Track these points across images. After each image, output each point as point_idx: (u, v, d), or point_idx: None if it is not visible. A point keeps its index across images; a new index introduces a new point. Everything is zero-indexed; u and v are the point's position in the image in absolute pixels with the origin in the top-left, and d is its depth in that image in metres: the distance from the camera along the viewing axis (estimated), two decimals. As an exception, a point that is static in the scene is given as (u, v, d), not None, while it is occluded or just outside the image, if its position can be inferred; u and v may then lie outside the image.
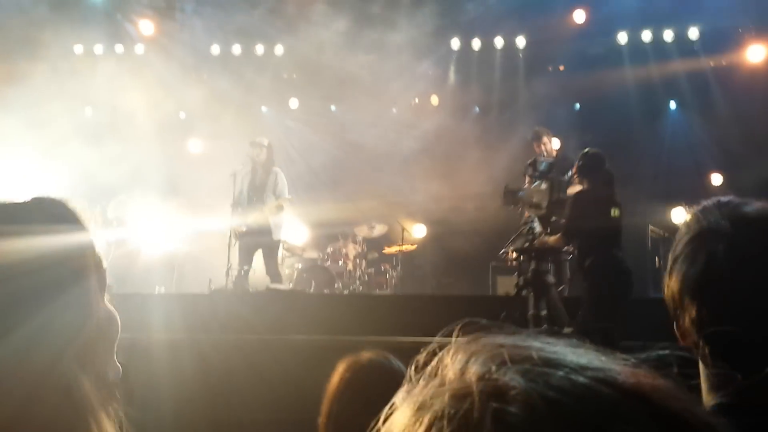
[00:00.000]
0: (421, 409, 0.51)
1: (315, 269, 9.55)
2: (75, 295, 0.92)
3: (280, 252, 8.87)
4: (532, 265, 6.24)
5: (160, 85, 10.86)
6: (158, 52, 11.53)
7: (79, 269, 0.94)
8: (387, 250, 10.30)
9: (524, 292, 6.30)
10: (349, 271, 9.63)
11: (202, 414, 5.54)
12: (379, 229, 10.19)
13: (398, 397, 0.55)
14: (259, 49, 11.92)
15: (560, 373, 0.50)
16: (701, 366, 1.19)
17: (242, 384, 5.67)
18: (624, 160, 10.61)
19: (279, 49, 11.84)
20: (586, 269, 5.69)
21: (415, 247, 10.56)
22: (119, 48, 11.93)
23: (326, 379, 2.27)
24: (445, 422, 0.49)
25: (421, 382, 0.54)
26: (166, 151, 10.74)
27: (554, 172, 7.26)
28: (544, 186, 6.25)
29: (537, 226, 6.75)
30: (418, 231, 10.80)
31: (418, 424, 0.51)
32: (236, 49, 11.93)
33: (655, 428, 0.48)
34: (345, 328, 6.31)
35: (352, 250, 9.86)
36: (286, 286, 7.68)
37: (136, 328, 5.57)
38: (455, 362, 0.54)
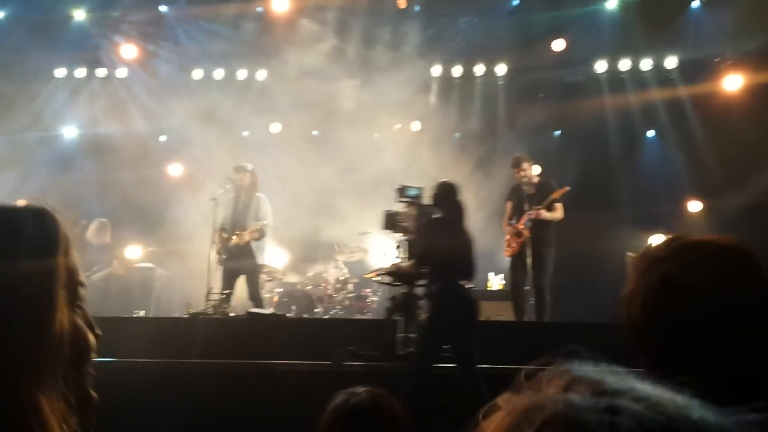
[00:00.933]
0: (531, 410, 0.53)
1: (296, 294, 9.52)
2: (33, 309, 0.88)
3: (262, 276, 8.83)
4: (404, 289, 6.31)
5: (141, 109, 10.87)
6: (140, 76, 11.54)
7: (42, 283, 0.90)
8: (368, 275, 10.28)
9: (394, 315, 6.37)
10: (330, 295, 9.60)
11: (180, 439, 5.47)
12: (360, 253, 10.18)
13: (501, 399, 0.57)
14: (242, 73, 11.97)
15: (670, 405, 0.52)
16: None
17: (222, 409, 5.61)
18: (603, 187, 10.76)
19: (261, 74, 11.90)
20: (429, 296, 5.79)
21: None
22: (101, 72, 11.92)
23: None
24: (559, 425, 0.50)
25: (526, 392, 0.56)
26: (146, 175, 10.71)
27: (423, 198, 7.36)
28: (413, 212, 6.37)
29: (403, 251, 6.89)
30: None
31: (526, 423, 0.52)
32: (218, 73, 11.97)
33: None
34: (326, 354, 6.27)
35: (332, 274, 9.84)
36: (267, 310, 7.63)
37: (114, 351, 5.51)
38: (555, 384, 0.56)
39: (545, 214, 7.76)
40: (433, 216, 6.03)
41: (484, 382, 5.18)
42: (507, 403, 0.56)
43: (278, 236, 9.45)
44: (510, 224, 8.02)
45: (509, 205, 8.15)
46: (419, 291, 6.13)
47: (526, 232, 7.74)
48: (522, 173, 7.94)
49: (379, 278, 6.94)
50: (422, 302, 6.03)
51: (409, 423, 2.21)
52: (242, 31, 11.29)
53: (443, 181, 6.12)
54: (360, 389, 2.24)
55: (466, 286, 5.68)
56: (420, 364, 5.48)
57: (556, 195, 7.85)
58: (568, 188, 8.02)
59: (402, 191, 6.46)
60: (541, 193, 7.91)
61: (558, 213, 7.88)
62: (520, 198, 7.92)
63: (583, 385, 0.55)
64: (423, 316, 5.94)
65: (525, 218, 7.81)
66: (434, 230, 5.98)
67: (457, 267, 5.74)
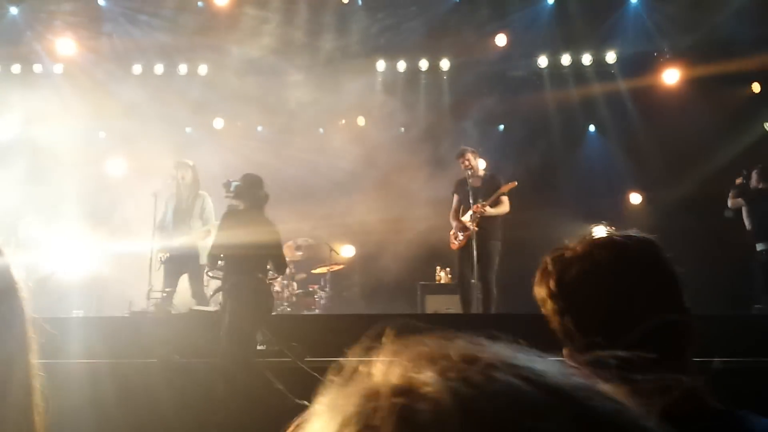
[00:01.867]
0: (332, 411, 0.49)
1: (241, 291, 9.37)
2: None
3: (206, 274, 8.66)
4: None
5: (79, 105, 10.57)
6: (78, 72, 11.23)
7: None
8: (315, 271, 10.22)
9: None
10: (277, 291, 9.49)
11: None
12: (306, 250, 10.10)
13: (315, 404, 0.52)
14: (183, 68, 11.75)
15: (476, 368, 0.48)
16: None
17: (166, 408, 5.48)
18: (546, 180, 10.91)
19: (203, 69, 11.70)
20: (224, 289, 5.86)
21: (343, 267, 10.51)
22: (38, 67, 11.58)
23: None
24: (352, 422, 0.47)
25: (338, 387, 0.52)
26: (84, 172, 10.43)
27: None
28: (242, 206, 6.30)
29: None
30: (346, 251, 10.76)
31: (327, 427, 0.48)
32: (159, 68, 11.73)
33: (577, 429, 0.45)
34: (272, 350, 6.19)
35: (279, 271, 9.73)
36: (211, 307, 7.49)
37: (53, 353, 5.33)
38: (378, 366, 0.52)
39: (490, 210, 7.79)
40: (233, 210, 6.04)
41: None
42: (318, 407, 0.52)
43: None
44: (457, 217, 8.04)
45: (456, 198, 8.18)
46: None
47: (473, 226, 7.76)
48: (466, 164, 7.96)
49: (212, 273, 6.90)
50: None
51: None
52: (183, 25, 11.07)
53: (246, 174, 6.13)
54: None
55: (267, 280, 5.70)
56: (224, 359, 5.49)
57: (503, 189, 7.90)
58: (515, 183, 8.08)
59: (227, 186, 6.37)
60: (487, 187, 7.95)
61: (504, 207, 7.92)
62: (466, 191, 7.95)
63: (406, 357, 0.51)
64: (218, 309, 5.98)
65: (470, 212, 7.84)
66: (225, 225, 5.98)
67: (252, 260, 5.74)
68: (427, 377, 0.47)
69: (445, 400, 0.45)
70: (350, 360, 0.54)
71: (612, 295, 1.30)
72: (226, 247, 5.76)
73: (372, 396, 0.48)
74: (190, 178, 8.12)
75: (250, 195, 5.90)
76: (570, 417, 0.45)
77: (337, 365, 0.55)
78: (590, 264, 1.34)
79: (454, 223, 8.08)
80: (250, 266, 5.66)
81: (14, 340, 0.92)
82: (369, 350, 0.56)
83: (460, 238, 7.94)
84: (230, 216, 5.92)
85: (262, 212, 5.94)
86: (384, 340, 0.56)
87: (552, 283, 1.37)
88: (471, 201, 7.83)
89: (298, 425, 0.52)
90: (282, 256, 5.98)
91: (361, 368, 0.52)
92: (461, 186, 8.10)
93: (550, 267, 1.40)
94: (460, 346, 0.51)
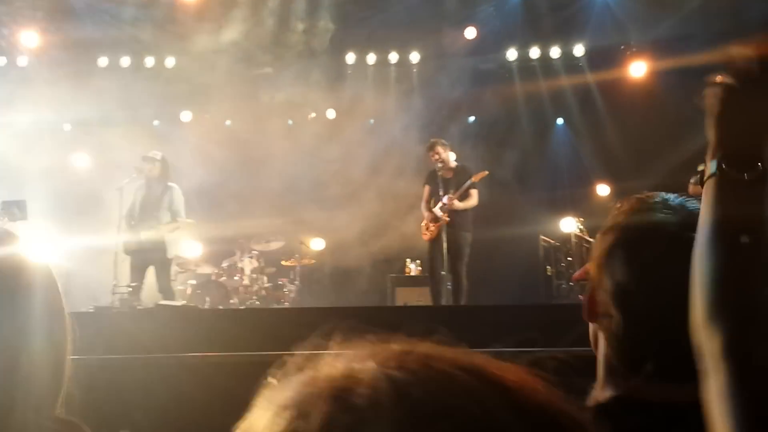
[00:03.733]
0: (270, 401, 0.50)
1: (210, 285, 9.30)
2: None
3: (173, 268, 8.56)
4: None
5: (44, 97, 10.37)
6: (43, 64, 11.02)
7: None
8: (285, 263, 10.16)
9: None
10: (246, 285, 9.43)
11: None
12: (276, 243, 10.05)
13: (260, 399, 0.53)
14: (149, 61, 11.58)
15: (413, 357, 0.49)
16: (602, 349, 1.19)
17: (131, 405, 5.40)
18: (516, 172, 10.96)
19: (170, 62, 11.54)
20: None
21: (313, 261, 10.46)
22: (1, 60, 11.36)
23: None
24: (288, 407, 0.48)
25: (281, 381, 0.53)
26: (48, 165, 10.26)
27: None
28: None
29: None
30: (316, 244, 10.71)
31: (264, 415, 0.49)
32: (125, 61, 11.55)
33: (513, 418, 0.46)
34: (241, 344, 6.13)
35: (248, 264, 9.67)
36: (178, 302, 7.41)
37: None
38: (321, 361, 0.53)
39: (458, 205, 7.80)
40: None
41: None
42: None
43: (191, 226, 9.20)
44: (429, 209, 8.03)
45: (427, 189, 8.17)
46: None
47: (444, 217, 7.76)
48: (436, 157, 7.96)
49: None
50: None
51: None
52: (150, 17, 10.90)
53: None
54: None
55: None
56: None
57: (474, 179, 7.90)
58: (486, 172, 8.09)
59: None
60: (458, 178, 7.95)
61: (472, 200, 7.93)
62: (436, 183, 7.95)
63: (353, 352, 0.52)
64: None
65: (440, 204, 7.84)
66: None
67: None
68: (365, 366, 0.49)
69: (381, 385, 0.46)
70: (295, 356, 0.56)
71: None
72: None
73: (310, 383, 0.49)
74: (158, 170, 8.02)
75: None
76: (505, 406, 0.46)
77: (280, 362, 0.56)
78: None
79: (425, 214, 8.07)
80: None
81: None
82: (316, 348, 0.57)
83: (431, 229, 7.94)
84: None
85: None
86: (331, 339, 0.57)
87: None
88: (441, 192, 7.83)
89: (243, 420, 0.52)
90: None
91: (304, 364, 0.53)
92: (432, 177, 8.10)
93: None
94: (401, 342, 0.52)
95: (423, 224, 8.12)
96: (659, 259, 1.16)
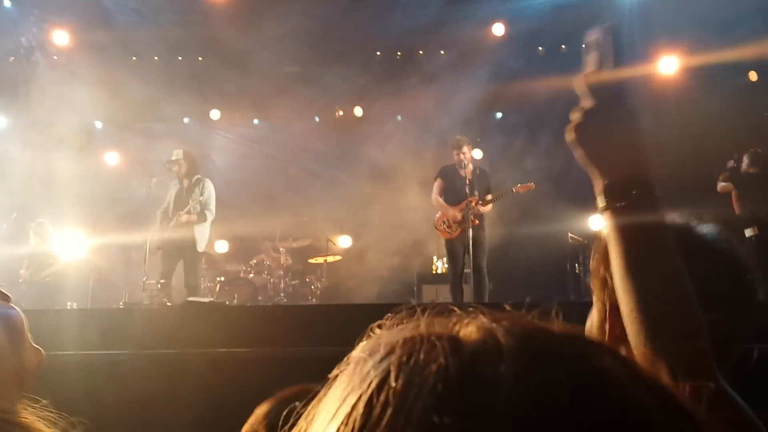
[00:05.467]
0: (376, 345, 0.47)
1: (238, 282, 9.38)
2: None
3: (202, 264, 8.65)
4: None
5: (77, 96, 10.50)
6: (73, 63, 11.17)
7: None
8: (312, 261, 10.20)
9: None
10: (273, 282, 9.50)
11: (117, 433, 5.32)
12: (303, 241, 10.10)
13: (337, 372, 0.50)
14: (180, 59, 11.69)
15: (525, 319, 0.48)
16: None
17: (161, 400, 5.48)
18: (543, 169, 10.85)
19: (201, 61, 11.64)
20: None
21: (340, 258, 10.49)
22: (36, 57, 11.53)
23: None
24: (399, 350, 0.45)
25: (361, 353, 0.49)
26: (81, 163, 10.40)
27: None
28: None
29: None
30: (342, 242, 10.74)
31: (371, 365, 0.46)
32: (155, 59, 11.67)
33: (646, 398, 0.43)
34: (268, 341, 6.18)
35: (275, 261, 9.73)
36: (206, 298, 7.49)
37: (48, 345, 5.31)
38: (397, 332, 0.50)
39: (485, 209, 7.82)
40: None
41: None
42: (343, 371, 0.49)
43: (220, 223, 9.28)
44: (448, 205, 7.94)
45: (440, 183, 8.06)
46: None
47: (475, 221, 7.72)
48: (462, 155, 7.93)
49: None
50: None
51: None
52: (181, 17, 11.00)
53: None
54: None
55: None
56: None
57: (519, 190, 7.92)
58: (532, 185, 8.08)
59: None
60: (480, 180, 7.91)
61: (489, 206, 7.96)
62: (453, 179, 7.91)
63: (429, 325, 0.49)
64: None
65: (464, 205, 7.76)
66: None
67: None
68: (474, 323, 0.47)
69: (496, 334, 0.44)
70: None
71: None
72: None
73: (416, 339, 0.46)
74: (184, 167, 8.12)
75: None
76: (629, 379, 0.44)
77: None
78: None
79: (449, 212, 7.96)
80: None
81: None
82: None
83: (455, 228, 7.87)
84: None
85: None
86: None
87: None
88: (467, 192, 7.76)
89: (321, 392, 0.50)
90: None
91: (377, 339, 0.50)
92: (448, 173, 8.04)
93: None
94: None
95: (440, 219, 8.03)
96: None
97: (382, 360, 0.45)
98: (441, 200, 8.03)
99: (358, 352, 0.49)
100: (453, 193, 7.89)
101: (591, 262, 1.25)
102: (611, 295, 1.15)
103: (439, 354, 0.43)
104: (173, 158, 8.16)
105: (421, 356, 0.44)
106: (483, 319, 0.47)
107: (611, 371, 0.43)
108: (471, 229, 7.66)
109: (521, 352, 0.43)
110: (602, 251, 1.18)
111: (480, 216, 7.80)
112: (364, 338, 0.52)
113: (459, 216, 7.84)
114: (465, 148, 7.97)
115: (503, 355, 0.42)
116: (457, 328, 0.47)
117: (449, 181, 7.99)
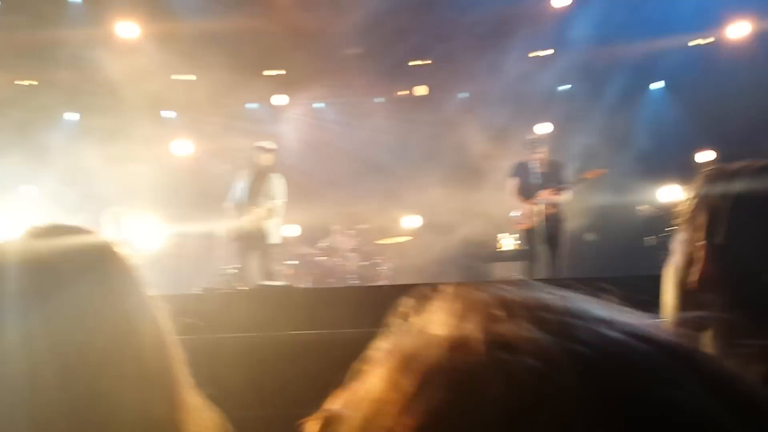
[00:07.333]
0: (409, 362, 0.43)
1: (309, 265, 9.52)
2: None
3: (275, 254, 8.77)
4: None
5: (143, 86, 10.72)
6: (143, 54, 11.41)
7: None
8: (381, 242, 10.26)
9: None
10: (343, 264, 9.60)
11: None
12: (371, 222, 10.16)
13: (372, 355, 0.47)
14: (244, 48, 11.80)
15: (582, 323, 0.42)
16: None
17: (232, 381, 5.64)
18: (611, 140, 10.61)
19: (264, 46, 11.73)
20: None
21: (409, 238, 10.52)
22: (105, 48, 11.81)
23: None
24: (442, 376, 0.41)
25: (400, 337, 0.46)
26: (151, 153, 10.68)
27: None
28: None
29: None
30: (412, 222, 10.76)
31: (405, 379, 0.42)
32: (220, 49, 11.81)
33: (705, 394, 0.39)
34: (338, 322, 6.27)
35: (345, 243, 9.82)
36: (279, 282, 7.62)
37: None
38: (444, 314, 0.46)
39: (561, 199, 7.76)
40: None
41: None
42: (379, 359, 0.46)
43: (291, 208, 9.39)
44: (526, 201, 7.87)
45: (517, 182, 7.99)
46: None
47: (551, 208, 7.67)
48: (539, 156, 7.83)
49: None
50: None
51: None
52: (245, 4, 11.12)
53: None
54: None
55: None
56: None
57: (589, 176, 7.83)
58: (604, 170, 7.96)
59: None
60: (554, 170, 7.85)
61: (570, 194, 7.86)
62: (526, 176, 7.83)
63: (483, 305, 0.45)
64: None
65: (540, 197, 7.71)
66: None
67: None
68: (525, 330, 0.42)
69: (556, 358, 0.39)
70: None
71: None
72: None
73: (462, 347, 0.42)
74: (272, 160, 8.16)
75: None
76: (696, 380, 0.40)
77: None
78: None
79: (524, 208, 7.91)
80: None
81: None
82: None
83: (533, 220, 7.81)
84: None
85: None
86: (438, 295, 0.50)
87: None
88: (541, 184, 7.72)
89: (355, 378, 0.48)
90: None
91: (422, 317, 0.48)
92: (522, 170, 7.96)
93: None
94: (550, 297, 0.46)
95: (519, 217, 7.99)
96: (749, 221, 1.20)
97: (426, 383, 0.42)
98: (515, 196, 7.98)
99: (399, 344, 0.46)
100: (527, 190, 7.82)
101: (689, 201, 1.28)
102: (709, 236, 1.20)
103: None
104: (266, 145, 8.18)
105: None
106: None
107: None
108: (548, 219, 7.63)
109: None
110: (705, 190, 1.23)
111: (556, 204, 7.75)
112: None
113: (535, 209, 7.78)
114: (543, 149, 7.87)
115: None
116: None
117: (523, 178, 7.91)
